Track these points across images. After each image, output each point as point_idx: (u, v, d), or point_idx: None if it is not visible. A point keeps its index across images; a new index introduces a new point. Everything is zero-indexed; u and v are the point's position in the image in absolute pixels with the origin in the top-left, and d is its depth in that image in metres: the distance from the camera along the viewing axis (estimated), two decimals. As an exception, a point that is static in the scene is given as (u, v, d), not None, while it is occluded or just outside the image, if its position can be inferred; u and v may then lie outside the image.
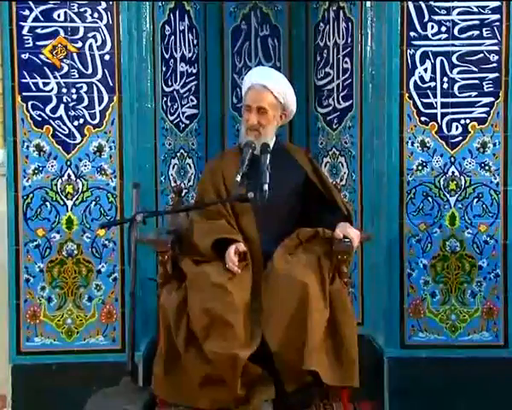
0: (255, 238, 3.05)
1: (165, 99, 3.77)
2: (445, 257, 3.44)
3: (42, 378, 3.39)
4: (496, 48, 3.37)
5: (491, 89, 3.38)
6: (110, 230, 3.39)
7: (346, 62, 3.79)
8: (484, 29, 3.36)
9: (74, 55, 3.36)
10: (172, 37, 3.80)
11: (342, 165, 3.84)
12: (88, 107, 3.38)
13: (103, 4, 3.36)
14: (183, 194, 3.55)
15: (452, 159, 3.41)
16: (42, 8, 3.34)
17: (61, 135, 3.38)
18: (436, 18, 3.37)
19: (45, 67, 3.35)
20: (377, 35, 3.58)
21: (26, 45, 3.33)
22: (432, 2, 3.36)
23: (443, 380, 3.39)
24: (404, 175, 3.41)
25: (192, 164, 3.94)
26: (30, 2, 3.33)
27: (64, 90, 3.37)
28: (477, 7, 3.36)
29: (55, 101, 3.37)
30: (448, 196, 3.42)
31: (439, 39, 3.37)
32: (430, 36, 3.37)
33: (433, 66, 3.38)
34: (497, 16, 3.35)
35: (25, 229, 3.39)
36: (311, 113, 3.98)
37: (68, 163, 3.40)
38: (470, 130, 3.40)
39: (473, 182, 3.42)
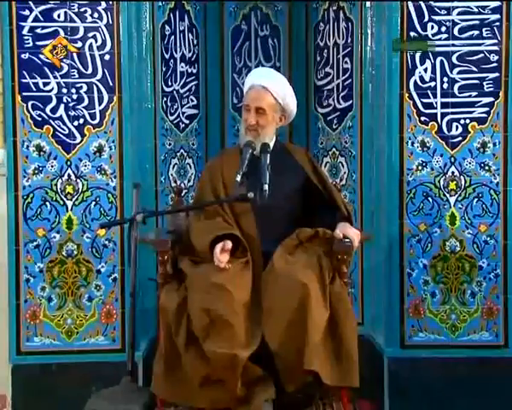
0: (255, 238, 3.05)
1: (165, 99, 3.77)
2: (445, 257, 3.44)
3: (42, 378, 3.40)
4: (496, 48, 3.37)
5: (491, 89, 3.38)
6: (110, 230, 3.39)
7: (346, 62, 3.79)
8: (484, 29, 3.36)
9: (74, 55, 3.36)
10: (172, 37, 3.80)
11: (342, 165, 3.84)
12: (88, 107, 3.39)
13: (103, 4, 3.36)
14: (183, 194, 3.55)
15: (452, 159, 3.41)
16: (42, 8, 3.34)
17: (61, 135, 3.39)
18: (436, 18, 3.37)
19: (45, 67, 3.35)
20: (377, 35, 3.58)
21: (26, 45, 3.33)
22: (432, 2, 3.36)
23: (443, 380, 3.39)
24: (404, 175, 3.41)
25: (192, 164, 3.94)
26: (30, 2, 3.33)
27: (64, 90, 3.37)
28: (477, 7, 3.36)
29: (55, 101, 3.37)
30: (448, 196, 3.42)
31: (439, 39, 3.37)
32: (430, 36, 3.37)
33: (433, 66, 3.38)
34: (497, 16, 3.35)
35: (25, 229, 3.39)
36: (311, 113, 3.98)
37: (68, 163, 3.40)
38: (470, 130, 3.40)
39: (473, 182, 3.42)
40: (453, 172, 3.42)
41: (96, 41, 3.37)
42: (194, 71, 3.94)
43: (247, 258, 2.95)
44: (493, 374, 3.39)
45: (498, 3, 3.35)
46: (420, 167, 3.41)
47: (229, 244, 2.91)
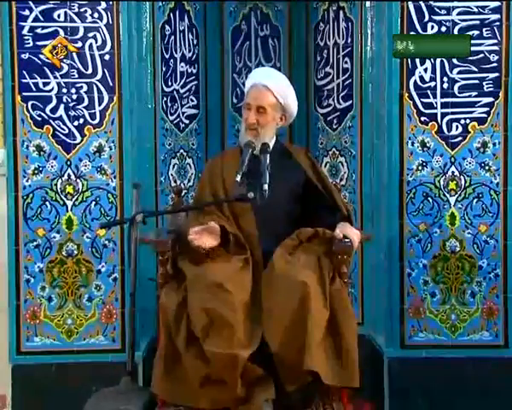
0: (255, 238, 3.05)
1: (165, 99, 3.77)
2: (445, 257, 3.44)
3: (42, 378, 3.39)
4: (496, 48, 3.37)
5: (491, 89, 3.38)
6: (110, 230, 3.39)
7: (346, 62, 3.79)
8: (484, 29, 3.36)
9: (74, 55, 3.36)
10: (172, 37, 3.80)
11: (342, 165, 3.84)
12: (88, 107, 3.38)
13: (103, 4, 3.36)
14: (182, 194, 3.55)
15: (452, 159, 3.41)
16: (42, 8, 3.34)
17: (60, 135, 3.39)
18: (436, 18, 3.37)
19: (45, 67, 3.35)
20: (377, 35, 3.58)
21: (26, 45, 3.33)
22: (432, 2, 3.36)
23: (443, 380, 3.39)
24: (404, 175, 3.41)
25: (192, 164, 3.94)
26: (30, 2, 3.32)
27: (64, 90, 3.37)
28: (477, 7, 3.35)
29: (55, 101, 3.37)
30: (448, 196, 3.42)
31: (439, 39, 3.38)
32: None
33: (433, 66, 3.38)
34: (497, 16, 3.35)
35: (25, 229, 3.39)
36: (311, 113, 3.98)
37: (68, 163, 3.40)
38: (470, 130, 3.40)
39: (473, 182, 3.42)
40: (453, 172, 3.42)
41: (96, 41, 3.37)
42: (194, 71, 3.94)
43: (246, 255, 2.95)
44: (493, 374, 3.38)
45: (498, 3, 3.35)
46: (420, 167, 3.41)
47: (213, 227, 2.92)
